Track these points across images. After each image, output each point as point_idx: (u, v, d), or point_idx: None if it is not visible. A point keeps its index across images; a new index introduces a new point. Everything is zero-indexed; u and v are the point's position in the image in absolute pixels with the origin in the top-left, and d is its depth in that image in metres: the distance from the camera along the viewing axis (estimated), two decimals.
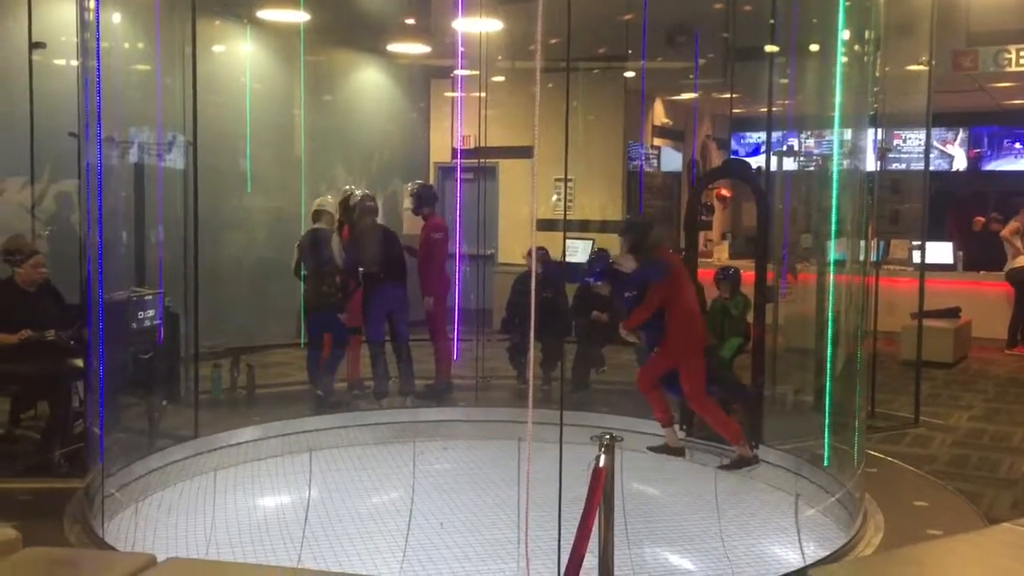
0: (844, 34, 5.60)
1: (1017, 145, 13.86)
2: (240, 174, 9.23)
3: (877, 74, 7.97)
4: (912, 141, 13.13)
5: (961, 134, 14.09)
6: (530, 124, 4.03)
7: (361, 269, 7.55)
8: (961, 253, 11.91)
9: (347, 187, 8.18)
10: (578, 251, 10.81)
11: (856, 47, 5.87)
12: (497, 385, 8.23)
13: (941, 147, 14.03)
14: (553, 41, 4.26)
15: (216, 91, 8.97)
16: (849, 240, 6.03)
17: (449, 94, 11.93)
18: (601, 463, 3.70)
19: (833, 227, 5.57)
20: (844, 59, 5.73)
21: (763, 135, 13.26)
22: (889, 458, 6.36)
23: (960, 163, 14.19)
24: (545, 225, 11.84)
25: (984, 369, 9.84)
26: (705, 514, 5.70)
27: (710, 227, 13.82)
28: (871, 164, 7.91)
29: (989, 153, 14.06)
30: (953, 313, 10.52)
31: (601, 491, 3.72)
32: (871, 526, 4.96)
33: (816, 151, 11.56)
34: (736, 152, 14.02)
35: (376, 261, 7.52)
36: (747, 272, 7.14)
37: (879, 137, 12.35)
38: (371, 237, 7.58)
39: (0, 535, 3.53)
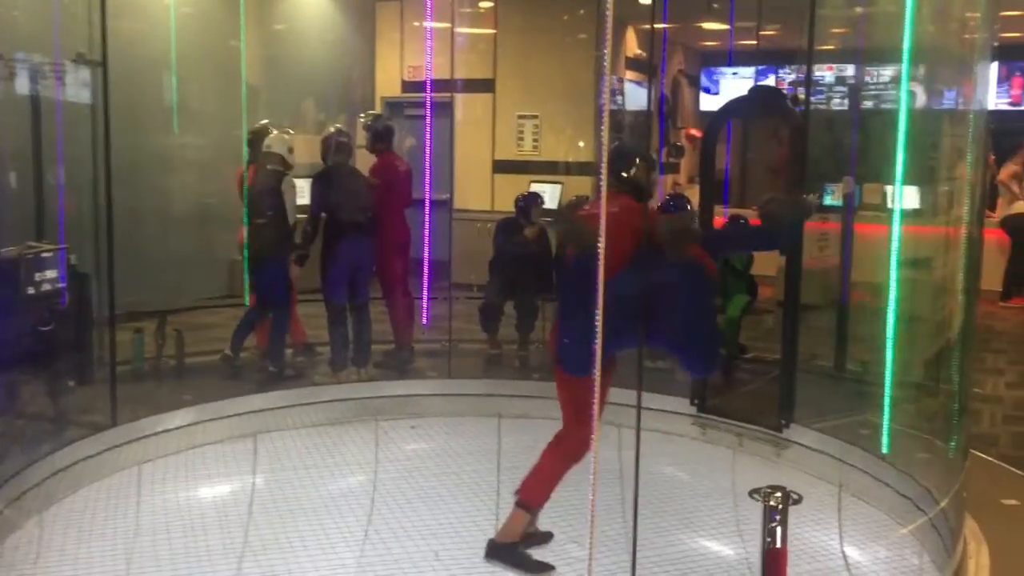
0: None
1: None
2: (164, 109, 7.87)
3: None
4: (885, 78, 12.30)
5: None
6: (491, 54, 3.15)
7: (324, 216, 6.37)
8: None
9: (264, 121, 6.83)
10: (545, 195, 9.78)
11: None
12: (467, 351, 7.17)
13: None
14: None
15: (133, 16, 7.62)
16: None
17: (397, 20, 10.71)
18: None
19: (900, 169, 4.57)
20: None
21: (743, 70, 12.41)
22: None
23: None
24: (508, 167, 10.78)
25: (987, 324, 9.10)
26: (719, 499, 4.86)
27: (678, 170, 12.89)
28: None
29: None
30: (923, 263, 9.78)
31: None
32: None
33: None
34: (708, 89, 13.04)
35: (349, 208, 6.36)
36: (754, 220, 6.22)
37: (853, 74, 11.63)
38: (344, 179, 6.41)
39: None
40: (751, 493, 2.66)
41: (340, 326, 6.43)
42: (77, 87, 5.81)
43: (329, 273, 6.36)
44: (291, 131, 6.88)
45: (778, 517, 2.49)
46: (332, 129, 6.58)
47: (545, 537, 4.22)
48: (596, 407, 2.65)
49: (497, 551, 3.95)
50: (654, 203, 5.30)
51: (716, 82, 13.38)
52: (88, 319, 5.48)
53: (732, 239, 5.14)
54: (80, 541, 4.27)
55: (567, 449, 3.91)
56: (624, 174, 4.01)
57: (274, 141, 6.42)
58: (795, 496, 2.60)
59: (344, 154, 6.45)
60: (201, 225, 8.11)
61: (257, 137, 6.52)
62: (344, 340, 6.45)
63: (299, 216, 6.62)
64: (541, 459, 3.99)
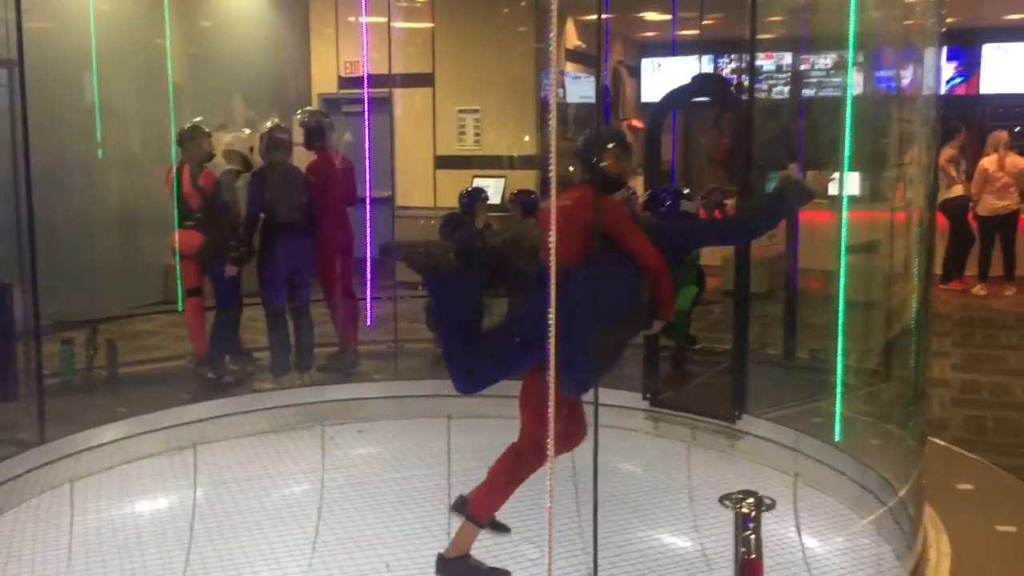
0: None
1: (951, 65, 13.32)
2: (85, 109, 7.54)
3: None
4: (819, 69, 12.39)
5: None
6: (429, 48, 3.01)
7: (262, 216, 6.15)
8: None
9: (196, 119, 6.58)
10: (489, 190, 9.64)
11: None
12: (413, 351, 7.00)
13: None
14: None
15: (49, 15, 7.29)
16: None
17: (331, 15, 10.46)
18: None
19: (846, 157, 4.52)
20: None
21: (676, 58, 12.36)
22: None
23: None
24: (450, 162, 10.62)
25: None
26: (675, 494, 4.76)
27: None
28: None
29: None
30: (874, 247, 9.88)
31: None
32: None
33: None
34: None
35: (286, 207, 6.14)
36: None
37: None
38: (282, 177, 6.19)
39: None
40: (722, 499, 2.56)
41: (280, 330, 6.22)
42: None
43: (267, 275, 6.15)
44: (247, 130, 6.70)
45: (751, 525, 2.36)
46: (269, 124, 6.36)
47: (502, 528, 4.07)
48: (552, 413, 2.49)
49: (447, 566, 3.77)
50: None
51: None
52: (10, 331, 5.20)
53: (700, 232, 4.54)
54: (7, 566, 4.02)
55: (524, 461, 3.70)
56: (592, 162, 3.85)
57: (236, 140, 6.25)
58: (768, 501, 2.49)
59: (282, 151, 6.23)
60: (129, 229, 7.81)
61: (191, 136, 6.29)
62: (285, 344, 6.25)
63: None
64: (494, 470, 3.79)
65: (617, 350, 3.77)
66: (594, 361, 3.42)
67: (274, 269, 6.11)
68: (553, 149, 2.43)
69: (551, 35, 2.17)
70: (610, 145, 3.90)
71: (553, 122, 2.53)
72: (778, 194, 4.37)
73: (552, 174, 2.39)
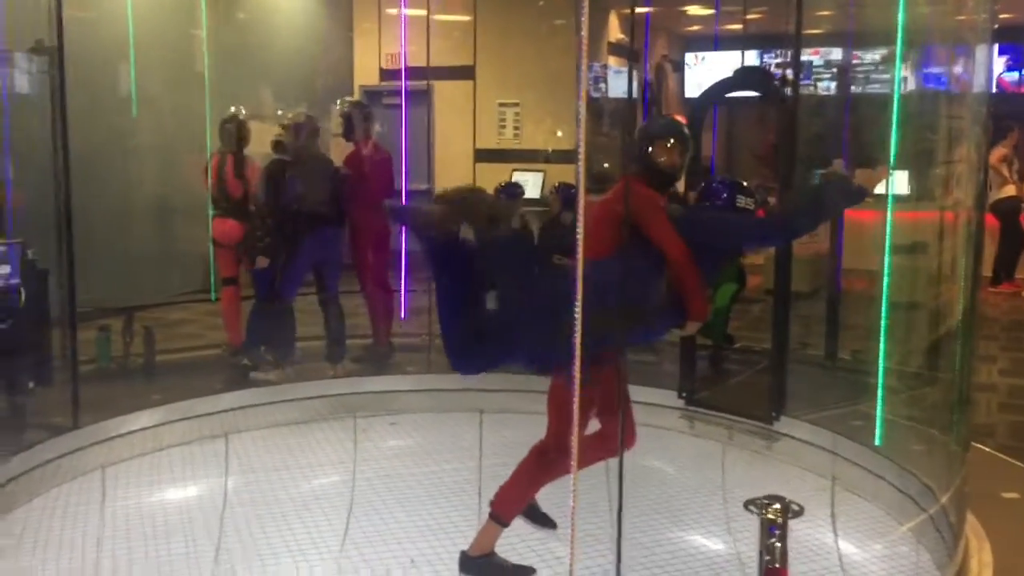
0: None
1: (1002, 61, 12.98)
2: (122, 98, 7.58)
3: None
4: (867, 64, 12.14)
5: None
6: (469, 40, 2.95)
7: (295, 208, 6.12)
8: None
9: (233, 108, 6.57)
10: (527, 184, 9.58)
11: None
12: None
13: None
14: None
15: (86, 5, 7.35)
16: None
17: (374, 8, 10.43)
18: None
19: (892, 155, 4.38)
20: None
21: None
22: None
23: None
24: (489, 155, 10.55)
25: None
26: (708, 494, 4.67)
27: None
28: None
29: None
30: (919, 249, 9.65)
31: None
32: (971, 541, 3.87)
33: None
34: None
35: (315, 198, 6.10)
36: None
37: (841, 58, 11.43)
38: (311, 167, 6.16)
39: None
40: (747, 504, 2.43)
41: (290, 320, 6.19)
42: (31, 76, 5.55)
43: (287, 267, 6.08)
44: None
45: (777, 532, 2.25)
46: (292, 116, 6.29)
47: (547, 521, 3.98)
48: (576, 412, 2.40)
49: (470, 565, 3.70)
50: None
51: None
52: (46, 317, 5.23)
53: (735, 229, 3.94)
54: (38, 550, 4.04)
55: (550, 462, 3.61)
56: (644, 155, 3.72)
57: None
58: (796, 507, 2.37)
59: (308, 140, 6.16)
60: (168, 217, 7.84)
61: (237, 126, 6.29)
62: (290, 336, 6.21)
63: None
64: (518, 470, 3.70)
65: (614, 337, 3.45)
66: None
67: (296, 262, 6.07)
68: (582, 144, 2.37)
69: (582, 27, 2.09)
70: (667, 138, 3.74)
71: (582, 117, 2.45)
72: (821, 193, 4.20)
73: (581, 168, 2.32)
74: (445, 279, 3.35)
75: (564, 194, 7.00)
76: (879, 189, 4.58)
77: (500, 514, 3.66)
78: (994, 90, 12.47)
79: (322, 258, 6.19)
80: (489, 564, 3.65)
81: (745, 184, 3.92)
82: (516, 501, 3.69)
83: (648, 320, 3.47)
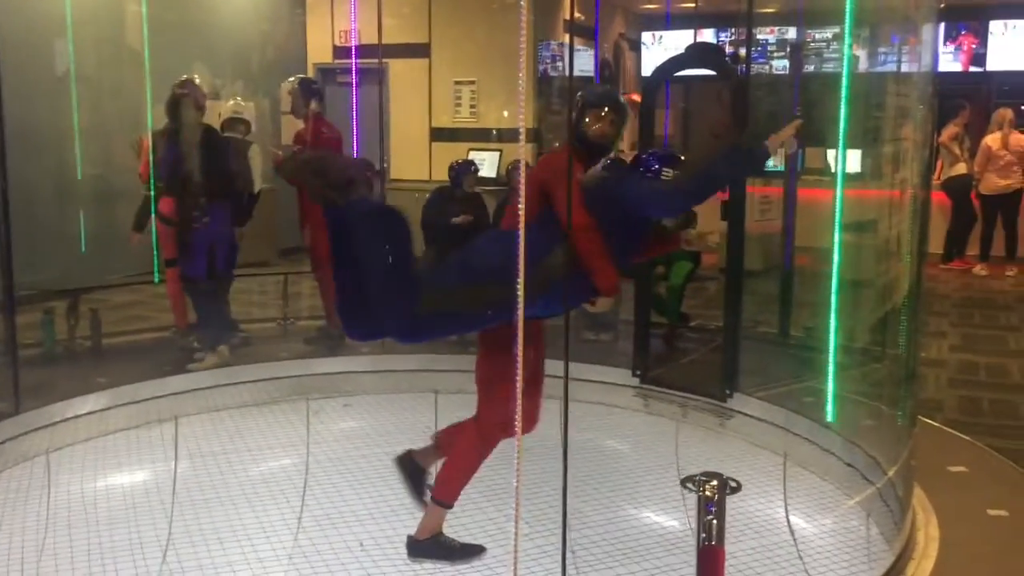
0: None
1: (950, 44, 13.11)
2: (57, 77, 7.35)
3: None
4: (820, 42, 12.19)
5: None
6: (423, 18, 2.83)
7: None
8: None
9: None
10: (484, 163, 9.51)
11: None
12: None
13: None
14: None
15: None
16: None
17: None
18: None
19: (842, 133, 4.39)
20: None
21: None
22: None
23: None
24: (445, 135, 10.46)
25: (929, 287, 9.05)
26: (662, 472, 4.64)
27: (621, 136, 12.65)
28: None
29: None
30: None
31: None
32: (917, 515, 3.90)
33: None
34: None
35: (203, 170, 5.92)
36: None
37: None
38: (192, 137, 5.96)
39: None
40: (683, 482, 2.41)
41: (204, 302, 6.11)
42: None
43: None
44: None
45: (714, 509, 2.23)
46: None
47: (421, 491, 3.76)
48: (518, 383, 2.31)
49: (418, 548, 3.64)
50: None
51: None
52: None
53: (641, 195, 3.60)
54: None
55: (483, 438, 3.54)
56: (577, 123, 3.62)
57: (239, 108, 6.13)
58: (733, 484, 2.35)
59: (185, 110, 5.92)
60: (110, 199, 7.63)
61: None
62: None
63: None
64: (454, 450, 3.63)
65: (474, 308, 3.27)
66: (437, 312, 3.18)
67: (191, 239, 5.90)
68: (523, 123, 2.33)
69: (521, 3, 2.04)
70: (600, 107, 3.61)
71: (526, 97, 2.40)
72: (723, 155, 4.00)
73: (522, 142, 2.28)
74: (338, 243, 3.12)
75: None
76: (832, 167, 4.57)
77: (442, 498, 3.60)
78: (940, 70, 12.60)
79: (212, 235, 5.98)
80: (437, 544, 3.61)
81: (681, 157, 3.78)
82: (456, 482, 3.61)
83: (548, 291, 3.30)
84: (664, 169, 3.54)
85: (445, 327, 3.48)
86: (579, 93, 3.83)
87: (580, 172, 3.57)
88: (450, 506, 3.61)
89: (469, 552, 3.67)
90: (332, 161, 3.21)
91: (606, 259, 3.42)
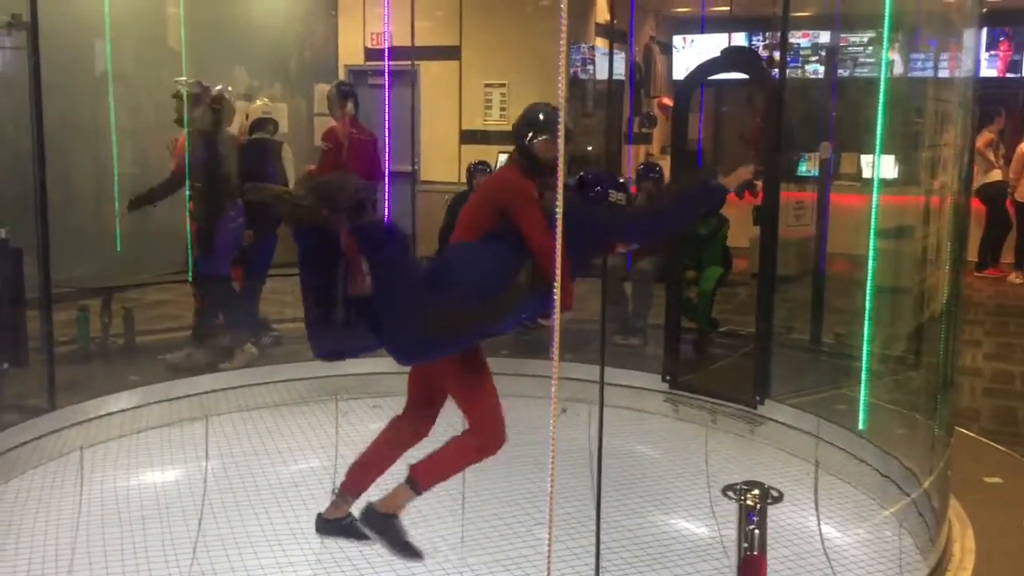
0: None
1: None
2: (95, 75, 7.41)
3: None
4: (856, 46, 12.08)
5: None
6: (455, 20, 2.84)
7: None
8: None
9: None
10: None
11: None
12: None
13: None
14: None
15: None
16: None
17: None
18: None
19: (878, 139, 4.34)
20: None
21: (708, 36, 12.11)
22: None
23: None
24: (475, 137, 10.46)
25: (964, 295, 8.97)
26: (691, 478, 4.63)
27: (650, 140, 12.62)
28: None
29: None
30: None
31: None
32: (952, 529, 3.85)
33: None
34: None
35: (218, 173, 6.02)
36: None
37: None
38: (209, 140, 6.06)
39: None
40: (724, 490, 2.39)
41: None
42: (4, 53, 5.42)
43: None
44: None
45: (756, 519, 2.21)
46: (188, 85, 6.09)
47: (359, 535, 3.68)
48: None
49: (372, 517, 3.53)
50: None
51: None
52: (20, 296, 5.14)
53: (604, 226, 3.70)
54: (11, 533, 3.98)
55: (479, 446, 3.49)
56: (524, 140, 3.60)
57: (270, 108, 6.25)
58: (775, 493, 2.33)
59: (206, 112, 5.99)
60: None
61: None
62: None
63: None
64: (453, 446, 3.53)
65: (468, 328, 3.34)
66: (427, 333, 3.21)
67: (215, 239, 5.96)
68: (560, 128, 2.31)
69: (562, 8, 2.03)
70: (547, 129, 3.59)
71: (561, 100, 2.39)
72: (681, 197, 4.02)
73: (560, 150, 2.27)
74: (307, 263, 3.16)
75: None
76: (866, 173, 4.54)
77: (417, 481, 3.50)
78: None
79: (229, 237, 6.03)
80: (389, 524, 3.50)
81: (621, 179, 3.85)
82: (439, 475, 3.54)
83: (502, 309, 3.31)
84: (612, 191, 3.62)
85: (443, 347, 3.45)
86: (524, 110, 3.85)
87: (533, 191, 3.58)
88: (419, 493, 3.51)
89: (409, 551, 3.55)
90: (339, 186, 3.20)
91: (566, 277, 3.43)
